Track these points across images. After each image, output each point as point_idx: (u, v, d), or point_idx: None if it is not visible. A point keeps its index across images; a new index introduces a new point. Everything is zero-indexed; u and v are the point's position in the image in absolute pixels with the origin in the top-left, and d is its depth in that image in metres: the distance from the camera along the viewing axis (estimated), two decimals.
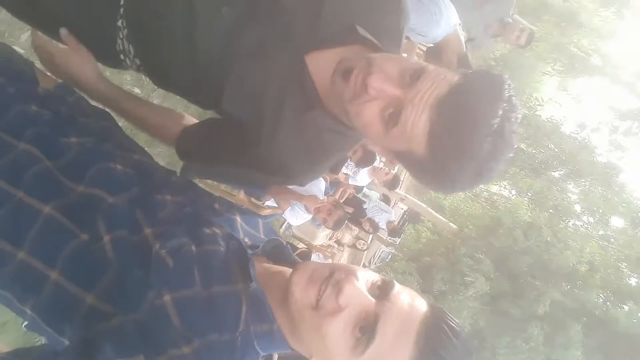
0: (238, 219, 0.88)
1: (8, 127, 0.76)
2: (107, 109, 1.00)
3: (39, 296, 0.67)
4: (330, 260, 4.58)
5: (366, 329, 0.65)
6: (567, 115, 9.72)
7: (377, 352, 0.65)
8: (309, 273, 0.70)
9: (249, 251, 0.76)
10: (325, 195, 3.75)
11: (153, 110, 1.06)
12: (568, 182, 9.94)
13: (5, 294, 0.69)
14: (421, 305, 0.70)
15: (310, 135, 0.91)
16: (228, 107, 0.91)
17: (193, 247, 0.72)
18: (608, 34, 9.19)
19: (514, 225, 8.34)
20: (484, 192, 11.06)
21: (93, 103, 0.96)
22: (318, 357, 0.73)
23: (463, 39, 2.30)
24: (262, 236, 0.91)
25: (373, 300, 0.67)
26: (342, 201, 4.34)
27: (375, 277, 0.71)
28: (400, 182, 5.48)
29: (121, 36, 1.00)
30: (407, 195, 9.76)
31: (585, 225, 9.94)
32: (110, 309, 0.65)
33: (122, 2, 0.97)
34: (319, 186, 3.59)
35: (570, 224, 9.45)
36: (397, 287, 0.70)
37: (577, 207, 9.88)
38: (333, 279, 0.68)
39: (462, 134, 0.69)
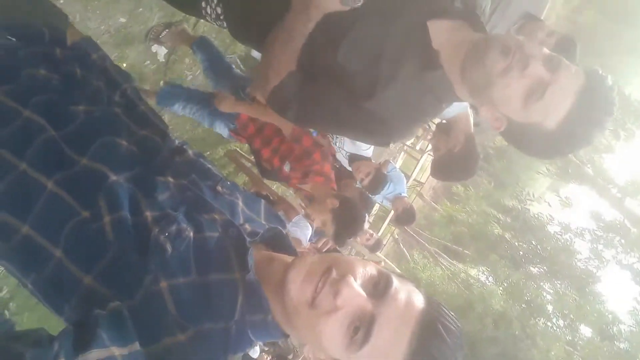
0: (240, 202, 0.87)
1: (14, 92, 0.75)
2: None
3: (40, 273, 0.66)
4: None
5: (361, 329, 0.65)
6: (554, 215, 9.90)
7: (372, 351, 0.65)
8: (306, 269, 0.69)
9: (248, 239, 0.76)
10: (308, 242, 3.74)
11: None
12: (545, 280, 9.96)
13: (7, 265, 0.69)
14: (418, 302, 0.69)
15: (415, 94, 1.03)
16: (343, 59, 1.01)
17: (192, 234, 0.72)
18: (604, 148, 9.56)
19: (486, 312, 8.27)
20: (462, 274, 11.03)
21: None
22: (311, 345, 0.73)
23: (472, 121, 2.40)
24: (263, 221, 0.90)
25: (370, 300, 0.66)
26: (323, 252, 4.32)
27: (374, 272, 0.70)
28: (383, 245, 5.47)
29: None
30: (386, 259, 9.71)
31: (555, 328, 9.87)
32: (107, 292, 0.65)
33: None
34: (305, 232, 3.57)
35: (540, 322, 9.39)
36: (395, 284, 0.69)
37: (550, 307, 9.85)
38: (331, 277, 0.67)
39: (596, 115, 0.93)
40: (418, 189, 10.42)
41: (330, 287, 0.66)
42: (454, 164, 2.34)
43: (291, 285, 0.68)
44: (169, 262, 0.68)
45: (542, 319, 9.52)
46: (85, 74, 0.87)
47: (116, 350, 0.58)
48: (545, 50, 0.94)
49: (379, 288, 0.68)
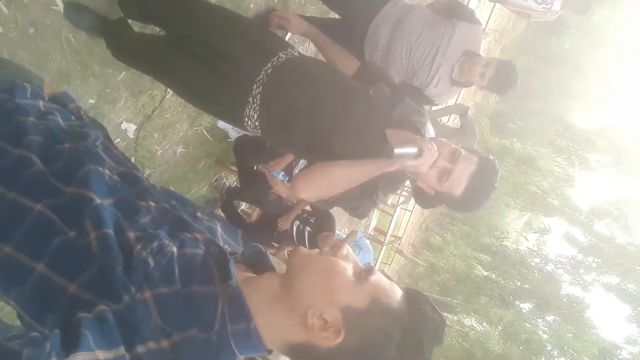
0: (219, 228, 0.92)
1: (6, 136, 0.80)
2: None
3: (21, 287, 0.68)
4: None
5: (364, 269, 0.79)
6: (533, 249, 10.08)
7: (376, 284, 0.77)
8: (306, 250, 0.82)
9: (229, 255, 0.80)
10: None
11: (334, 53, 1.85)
12: (537, 317, 9.90)
13: None
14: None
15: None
16: (339, 148, 1.60)
17: (174, 249, 0.75)
18: (564, 178, 10.05)
19: (486, 356, 8.07)
20: (456, 326, 10.82)
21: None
22: (318, 302, 0.74)
23: None
24: (242, 247, 0.94)
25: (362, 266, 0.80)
26: None
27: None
28: None
29: (249, 106, 1.67)
30: None
31: None
32: (92, 298, 0.67)
33: (260, 80, 1.67)
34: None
35: None
36: (379, 273, 0.80)
37: (548, 345, 9.68)
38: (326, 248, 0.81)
39: (485, 190, 1.54)
40: (396, 245, 10.47)
41: (331, 249, 0.81)
42: None
43: (299, 251, 0.83)
44: (152, 275, 0.70)
45: (543, 358, 9.33)
46: (67, 122, 0.95)
47: (101, 354, 0.59)
48: (451, 147, 1.49)
49: (364, 272, 0.80)
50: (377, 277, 0.77)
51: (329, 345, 0.72)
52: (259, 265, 0.87)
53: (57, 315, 0.67)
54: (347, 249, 0.80)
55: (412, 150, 1.36)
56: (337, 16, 2.83)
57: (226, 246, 0.87)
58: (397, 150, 1.29)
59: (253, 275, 0.85)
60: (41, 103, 0.94)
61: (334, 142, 1.60)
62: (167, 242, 0.75)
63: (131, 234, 0.74)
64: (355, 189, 1.53)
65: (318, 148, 1.66)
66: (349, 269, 0.77)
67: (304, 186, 1.54)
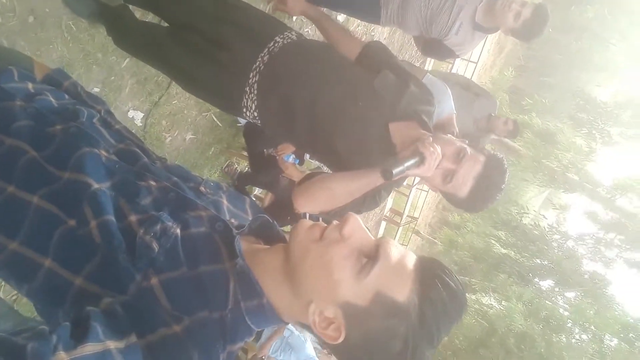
0: (224, 201, 0.89)
1: None
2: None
3: (32, 283, 0.68)
4: None
5: (369, 255, 0.70)
6: (553, 226, 9.90)
7: (380, 275, 0.68)
8: (311, 222, 0.74)
9: (235, 230, 0.78)
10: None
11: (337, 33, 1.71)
12: (557, 294, 9.78)
13: (2, 277, 0.72)
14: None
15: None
16: (341, 144, 1.54)
17: (178, 230, 0.73)
18: (585, 153, 9.79)
19: (508, 330, 8.03)
20: (475, 305, 10.77)
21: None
22: (319, 298, 0.71)
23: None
24: (250, 217, 0.92)
25: (372, 237, 0.73)
26: None
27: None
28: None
29: (247, 96, 1.61)
30: None
31: (579, 342, 9.52)
32: (98, 290, 0.66)
33: (257, 69, 1.58)
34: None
35: (563, 338, 9.09)
36: (386, 254, 0.72)
37: (569, 322, 9.58)
38: (334, 221, 0.74)
39: (490, 192, 1.45)
40: (413, 225, 10.39)
41: (336, 224, 0.73)
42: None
43: (299, 230, 0.73)
44: (157, 259, 0.69)
45: (564, 335, 9.24)
46: (59, 101, 0.92)
47: (112, 344, 0.58)
48: (456, 146, 1.42)
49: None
50: (382, 264, 0.69)
51: (331, 342, 0.71)
52: (268, 236, 0.85)
53: (66, 309, 0.66)
54: (352, 221, 0.72)
55: (413, 161, 1.31)
56: None
57: (233, 220, 0.85)
58: (395, 170, 1.24)
59: (263, 247, 0.83)
60: (30, 85, 0.92)
61: (334, 137, 1.53)
62: (170, 224, 0.73)
63: (133, 217, 0.73)
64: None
65: (319, 142, 1.60)
66: (350, 260, 0.69)
67: (304, 202, 1.52)
